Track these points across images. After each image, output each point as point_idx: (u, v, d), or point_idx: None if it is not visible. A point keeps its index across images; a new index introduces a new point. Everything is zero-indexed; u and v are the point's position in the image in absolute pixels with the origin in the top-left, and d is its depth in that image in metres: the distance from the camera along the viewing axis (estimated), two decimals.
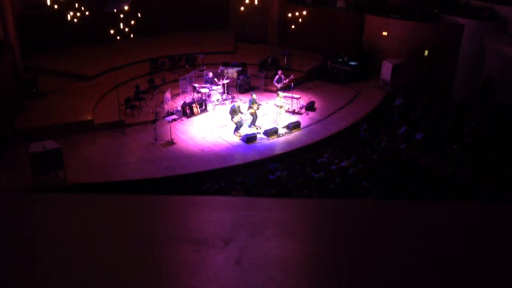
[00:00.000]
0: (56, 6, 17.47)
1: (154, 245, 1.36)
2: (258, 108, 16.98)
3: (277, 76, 18.79)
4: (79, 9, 18.46)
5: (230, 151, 15.67)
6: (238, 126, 16.52)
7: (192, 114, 17.85)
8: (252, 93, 17.77)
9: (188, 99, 18.63)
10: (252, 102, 16.80)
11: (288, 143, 16.41)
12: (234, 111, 16.33)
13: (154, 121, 16.36)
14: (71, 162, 14.06)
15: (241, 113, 16.57)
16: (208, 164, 14.89)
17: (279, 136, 16.71)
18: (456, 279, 1.23)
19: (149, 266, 1.26)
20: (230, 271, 1.24)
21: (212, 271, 1.25)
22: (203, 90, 18.58)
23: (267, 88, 19.93)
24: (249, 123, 17.02)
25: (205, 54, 22.04)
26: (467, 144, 15.01)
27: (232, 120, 16.39)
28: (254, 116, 16.98)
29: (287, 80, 18.72)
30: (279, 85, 18.68)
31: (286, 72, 21.34)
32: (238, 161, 15.11)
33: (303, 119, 17.94)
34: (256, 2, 19.59)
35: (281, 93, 17.52)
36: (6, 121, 15.58)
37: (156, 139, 16.20)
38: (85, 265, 1.28)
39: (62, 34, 21.79)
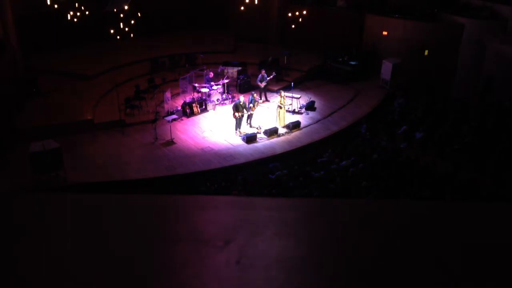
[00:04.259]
0: (56, 6, 17.45)
1: (154, 245, 1.36)
2: (256, 106, 17.04)
3: (260, 75, 18.82)
4: (79, 9, 18.44)
5: (230, 151, 15.68)
6: (238, 123, 16.54)
7: (192, 113, 17.86)
8: (253, 92, 17.80)
9: (188, 98, 18.63)
10: (253, 101, 16.87)
11: (288, 142, 16.42)
12: (237, 107, 16.37)
13: (154, 121, 16.36)
14: (71, 162, 14.06)
15: (245, 109, 16.60)
16: (208, 163, 14.89)
17: (279, 135, 16.72)
18: (456, 279, 1.23)
19: (149, 266, 1.26)
20: (230, 271, 1.24)
21: (212, 271, 1.25)
22: (203, 90, 18.59)
23: (268, 88, 19.93)
24: (246, 121, 17.07)
25: (205, 54, 22.04)
26: (467, 144, 15.00)
27: (233, 115, 16.39)
28: (251, 115, 17.08)
29: (268, 78, 18.73)
30: (262, 84, 18.74)
31: (287, 71, 21.40)
32: (238, 160, 15.11)
33: (303, 118, 17.95)
34: (256, 2, 19.57)
35: (283, 93, 17.52)
36: (6, 121, 15.58)
37: (156, 138, 16.20)
38: (85, 265, 1.28)
39: (62, 34, 21.77)
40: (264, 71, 18.90)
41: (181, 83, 19.43)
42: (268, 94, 19.55)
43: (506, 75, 18.68)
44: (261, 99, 18.92)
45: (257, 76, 20.79)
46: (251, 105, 16.87)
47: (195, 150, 15.76)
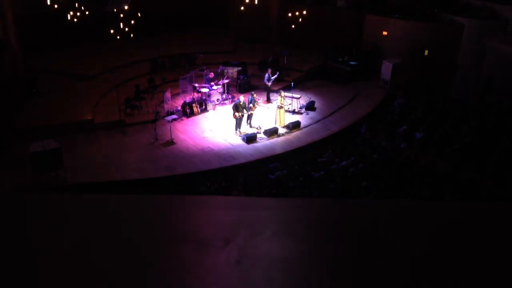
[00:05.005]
0: (56, 6, 17.44)
1: (154, 245, 1.36)
2: (256, 106, 17.05)
3: (266, 75, 18.84)
4: (79, 9, 18.44)
5: (230, 151, 15.67)
6: (238, 123, 16.54)
7: (192, 113, 17.86)
8: (253, 92, 17.81)
9: (188, 98, 18.63)
10: (253, 101, 16.87)
11: (288, 142, 16.42)
12: (237, 107, 16.38)
13: (154, 121, 16.37)
14: (71, 162, 14.06)
15: (245, 109, 16.60)
16: (208, 163, 14.89)
17: (279, 136, 16.72)
18: (456, 279, 1.23)
19: (149, 266, 1.26)
20: (230, 271, 1.24)
21: (212, 271, 1.25)
22: (203, 90, 18.59)
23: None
24: (246, 121, 17.08)
25: (205, 54, 22.05)
26: (467, 144, 15.01)
27: (233, 115, 16.39)
28: (251, 115, 17.10)
29: (273, 77, 18.73)
30: (269, 83, 18.77)
31: (287, 71, 21.39)
32: (238, 160, 15.11)
33: (303, 118, 17.94)
34: (256, 2, 19.57)
35: (283, 93, 17.52)
36: (6, 121, 15.57)
37: (156, 138, 16.20)
38: (84, 265, 1.28)
39: (62, 34, 21.77)
40: (270, 70, 18.93)
41: (181, 83, 19.42)
42: (270, 94, 19.55)
43: (506, 75, 18.68)
44: (267, 98, 18.98)
45: (256, 76, 20.84)
46: (250, 105, 16.87)
47: (195, 150, 15.76)
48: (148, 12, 22.21)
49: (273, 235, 1.39)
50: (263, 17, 24.51)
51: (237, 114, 16.36)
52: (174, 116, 16.68)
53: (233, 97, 18.84)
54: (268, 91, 19.17)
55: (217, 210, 1.59)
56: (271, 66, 20.21)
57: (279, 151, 15.89)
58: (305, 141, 16.50)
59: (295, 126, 17.15)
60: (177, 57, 22.00)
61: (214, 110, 18.45)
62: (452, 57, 20.54)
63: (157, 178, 14.16)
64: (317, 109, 18.72)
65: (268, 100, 19.09)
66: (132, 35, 19.08)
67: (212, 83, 18.78)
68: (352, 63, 21.67)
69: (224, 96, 18.90)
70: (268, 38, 25.03)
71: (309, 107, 18.61)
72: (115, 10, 18.98)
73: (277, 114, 17.31)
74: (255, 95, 17.27)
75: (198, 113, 18.01)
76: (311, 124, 17.73)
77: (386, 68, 20.62)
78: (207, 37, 24.84)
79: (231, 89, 19.54)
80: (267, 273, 1.23)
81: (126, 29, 18.50)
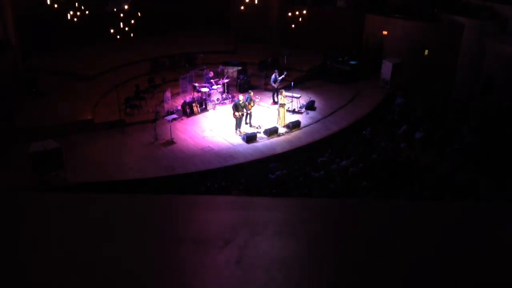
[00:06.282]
0: (56, 6, 17.44)
1: (154, 245, 1.36)
2: (253, 105, 17.04)
3: (273, 76, 18.80)
4: (79, 9, 18.43)
5: (230, 151, 15.67)
6: (238, 123, 16.54)
7: (192, 113, 17.86)
8: (250, 91, 17.80)
9: (188, 98, 18.64)
10: (249, 99, 16.87)
11: (288, 142, 16.42)
12: (236, 106, 16.39)
13: (154, 121, 16.36)
14: (71, 162, 14.06)
15: (245, 109, 16.60)
16: (208, 163, 14.88)
17: (279, 135, 16.72)
18: (456, 279, 1.23)
19: (149, 266, 1.26)
20: (230, 271, 1.24)
21: (212, 271, 1.25)
22: (203, 90, 18.59)
23: (267, 88, 19.96)
24: (245, 120, 17.08)
25: (205, 54, 22.05)
26: (467, 144, 15.01)
27: (233, 115, 16.40)
28: (250, 114, 17.08)
29: (280, 78, 18.71)
30: (276, 85, 18.72)
31: (287, 71, 21.37)
32: (238, 160, 15.11)
33: (303, 118, 17.94)
34: (256, 2, 19.56)
35: (284, 92, 17.51)
36: (6, 121, 15.57)
37: (156, 138, 16.20)
38: (84, 265, 1.28)
39: (62, 34, 21.77)
40: (277, 71, 18.89)
41: (181, 82, 19.42)
42: (269, 94, 19.51)
43: (506, 75, 18.67)
44: (273, 100, 18.93)
45: (256, 76, 20.82)
46: (246, 102, 16.85)
47: (195, 149, 15.75)
48: (148, 12, 22.20)
49: (273, 235, 1.39)
50: (263, 17, 24.50)
51: (237, 113, 16.37)
52: (174, 116, 16.68)
53: (233, 97, 18.84)
54: (274, 93, 19.06)
55: (217, 210, 1.59)
56: (271, 66, 20.20)
57: (279, 150, 15.88)
58: (305, 141, 16.50)
59: (295, 125, 17.15)
60: (177, 57, 22.01)
61: (214, 109, 18.45)
62: (452, 57, 20.54)
63: (157, 178, 14.15)
64: (317, 109, 18.72)
65: (274, 102, 18.92)
66: (132, 35, 19.07)
67: (212, 81, 18.79)
68: (352, 63, 21.67)
69: (224, 95, 18.90)
70: (268, 38, 25.02)
71: (309, 106, 18.61)
72: (115, 10, 18.98)
73: (278, 113, 17.30)
74: (252, 94, 17.27)
75: (198, 113, 18.01)
76: (311, 124, 17.73)
77: (386, 68, 20.62)
78: (207, 37, 24.84)
79: (231, 89, 19.55)
80: (267, 273, 1.23)
81: (126, 29, 18.49)
